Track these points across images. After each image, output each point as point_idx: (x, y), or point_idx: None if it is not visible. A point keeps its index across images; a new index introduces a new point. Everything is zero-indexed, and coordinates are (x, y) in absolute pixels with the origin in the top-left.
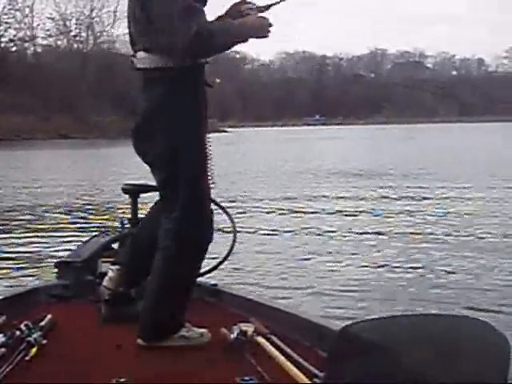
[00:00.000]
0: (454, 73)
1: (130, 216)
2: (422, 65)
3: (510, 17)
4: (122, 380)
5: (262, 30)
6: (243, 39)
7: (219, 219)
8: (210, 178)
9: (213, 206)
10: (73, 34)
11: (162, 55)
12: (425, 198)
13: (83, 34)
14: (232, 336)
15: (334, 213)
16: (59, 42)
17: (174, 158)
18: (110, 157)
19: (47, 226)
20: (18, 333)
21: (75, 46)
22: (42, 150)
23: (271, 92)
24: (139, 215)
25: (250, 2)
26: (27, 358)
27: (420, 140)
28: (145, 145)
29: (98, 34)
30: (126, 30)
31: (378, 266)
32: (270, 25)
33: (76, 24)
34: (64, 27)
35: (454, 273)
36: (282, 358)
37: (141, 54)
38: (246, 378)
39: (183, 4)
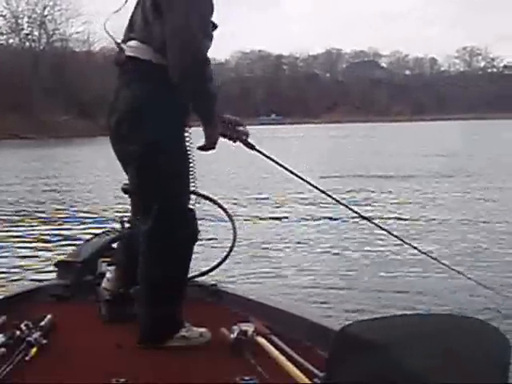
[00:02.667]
0: (408, 72)
1: (129, 216)
2: (376, 64)
3: (460, 17)
4: (122, 380)
5: (214, 137)
6: (207, 115)
7: (219, 219)
8: (191, 180)
9: (213, 207)
10: (25, 32)
11: (160, 52)
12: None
13: (35, 33)
14: (232, 336)
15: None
16: (11, 41)
17: (155, 157)
18: (69, 157)
19: (47, 226)
20: (18, 333)
21: (27, 44)
22: None
23: (227, 91)
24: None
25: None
26: (27, 358)
27: (378, 139)
28: (123, 142)
29: (51, 33)
30: (80, 29)
31: (378, 267)
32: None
33: (28, 22)
34: (16, 25)
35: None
36: (282, 358)
37: (135, 43)
38: (246, 378)
39: (203, 21)
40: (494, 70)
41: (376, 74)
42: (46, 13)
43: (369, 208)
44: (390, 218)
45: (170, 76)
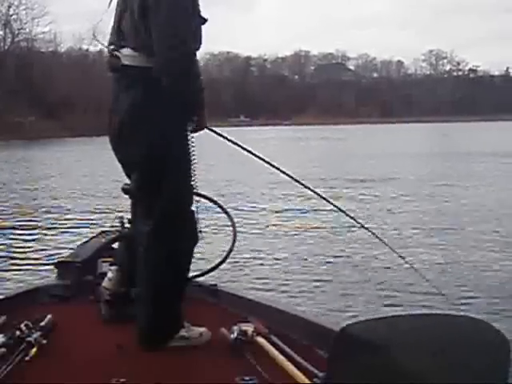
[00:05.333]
0: (375, 75)
1: (129, 216)
2: (344, 66)
3: (427, 23)
4: (122, 380)
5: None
6: (191, 103)
7: (219, 218)
8: (192, 181)
9: (213, 206)
10: None
11: (153, 56)
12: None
13: (0, 32)
14: (232, 336)
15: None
16: None
17: (157, 158)
18: (46, 159)
19: (47, 226)
20: (18, 333)
21: None
22: None
23: None
24: None
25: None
26: (27, 358)
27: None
28: (126, 145)
29: (16, 32)
30: (46, 28)
31: (376, 267)
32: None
33: None
34: None
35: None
36: (281, 358)
37: (129, 52)
38: (246, 378)
39: (191, 28)
40: (460, 73)
41: (344, 77)
42: (11, 12)
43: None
44: None
45: (158, 75)
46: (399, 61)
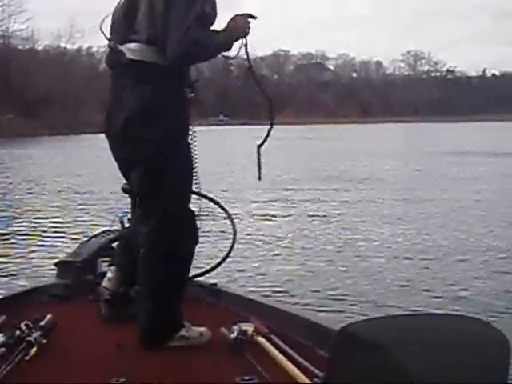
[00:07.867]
0: (355, 75)
1: (129, 216)
2: (323, 66)
3: (405, 23)
4: (122, 380)
5: (240, 29)
6: (228, 46)
7: (219, 217)
8: (194, 178)
9: (213, 206)
10: None
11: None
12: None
13: None
14: (232, 336)
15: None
16: None
17: (166, 157)
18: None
19: (47, 226)
20: (18, 333)
21: None
22: None
23: None
24: None
25: (244, 14)
26: (27, 358)
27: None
28: (133, 143)
29: None
30: (23, 26)
31: (374, 268)
32: (249, 21)
33: None
34: None
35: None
36: (281, 358)
37: (138, 46)
38: (246, 378)
39: (196, 15)
40: (438, 73)
41: (323, 77)
42: None
43: None
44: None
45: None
46: (378, 61)
